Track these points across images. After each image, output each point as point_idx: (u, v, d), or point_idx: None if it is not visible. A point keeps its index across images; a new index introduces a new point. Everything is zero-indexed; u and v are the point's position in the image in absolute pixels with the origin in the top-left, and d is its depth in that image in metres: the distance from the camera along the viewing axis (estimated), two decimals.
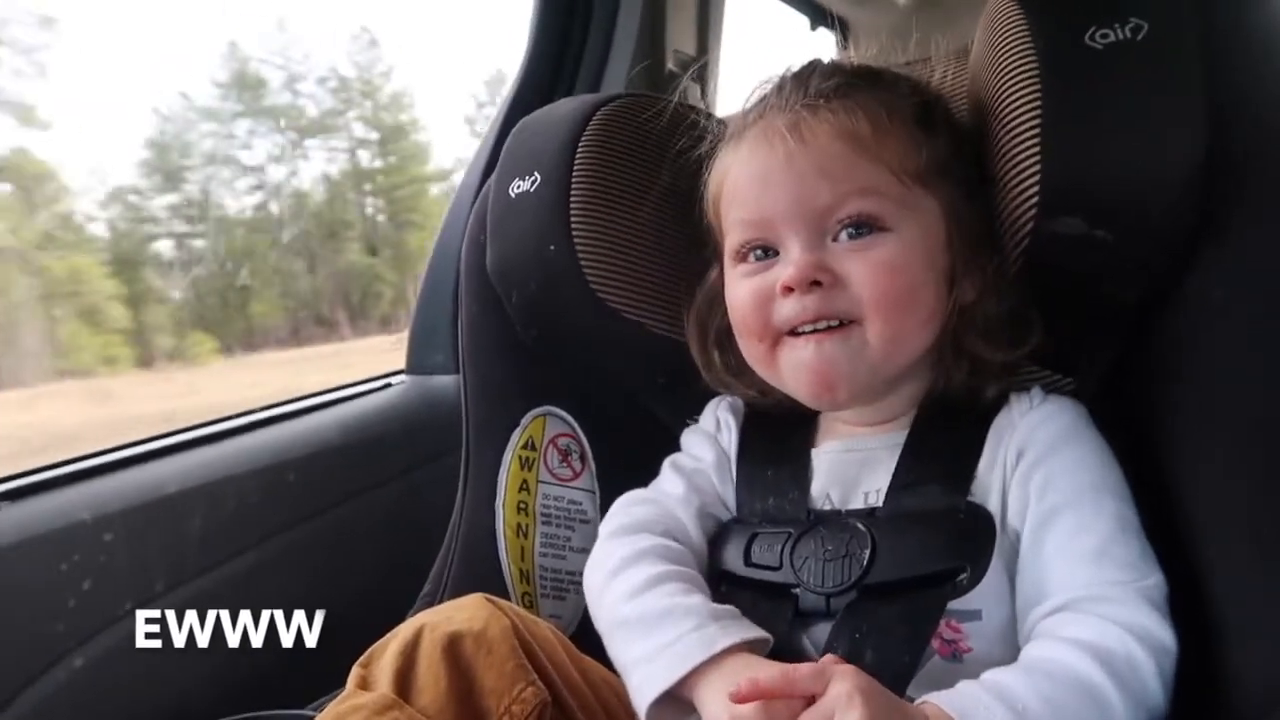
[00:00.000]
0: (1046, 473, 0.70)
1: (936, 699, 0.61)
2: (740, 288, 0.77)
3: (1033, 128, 0.72)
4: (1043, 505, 0.69)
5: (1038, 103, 0.71)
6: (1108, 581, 0.65)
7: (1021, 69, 0.73)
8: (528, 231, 0.90)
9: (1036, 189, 0.72)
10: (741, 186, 0.77)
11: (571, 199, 0.88)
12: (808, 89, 0.76)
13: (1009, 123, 0.74)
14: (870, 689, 0.59)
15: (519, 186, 0.91)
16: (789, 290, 0.73)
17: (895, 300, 0.72)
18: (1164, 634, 0.64)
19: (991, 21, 0.79)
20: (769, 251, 0.76)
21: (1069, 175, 0.71)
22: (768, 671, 0.62)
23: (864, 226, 0.72)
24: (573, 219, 0.88)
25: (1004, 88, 0.74)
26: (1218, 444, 0.69)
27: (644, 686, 0.67)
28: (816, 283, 0.72)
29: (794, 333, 0.74)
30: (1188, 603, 0.66)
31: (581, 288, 0.89)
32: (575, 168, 0.89)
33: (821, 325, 0.73)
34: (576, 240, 0.88)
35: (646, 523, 0.79)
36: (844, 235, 0.73)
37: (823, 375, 0.73)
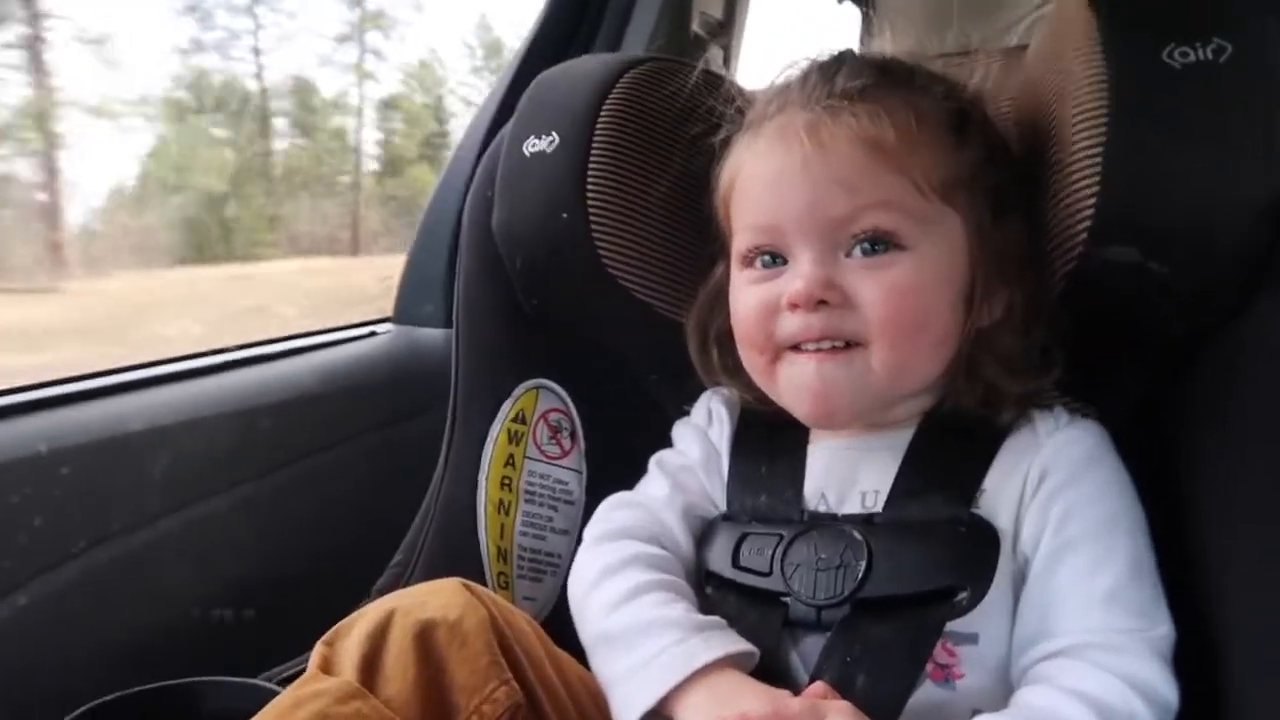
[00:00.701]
0: (1068, 502, 0.67)
1: None
2: (745, 295, 0.73)
3: (1095, 145, 0.67)
4: (1060, 537, 0.66)
5: (1104, 119, 0.66)
6: (1116, 629, 0.62)
7: (1089, 80, 0.68)
8: (540, 195, 0.85)
9: (1091, 211, 0.67)
10: (754, 187, 0.72)
11: (590, 166, 0.83)
12: (833, 86, 0.70)
13: (1069, 136, 0.69)
14: None
15: (535, 145, 0.86)
16: (795, 306, 0.69)
17: (905, 326, 0.68)
18: (1168, 691, 0.61)
19: (1060, 23, 0.73)
20: (777, 259, 0.71)
21: (1129, 200, 0.66)
22: (758, 706, 0.58)
23: (879, 243, 0.68)
24: (589, 187, 0.83)
25: (1066, 97, 0.69)
26: (1265, 488, 0.65)
27: (624, 708, 0.64)
28: (824, 301, 0.68)
29: (796, 348, 0.70)
30: (1198, 644, 0.64)
31: (591, 260, 0.84)
32: (596, 133, 0.83)
33: (825, 345, 0.69)
34: (591, 210, 0.83)
35: (630, 528, 0.76)
36: (858, 251, 0.68)
37: (822, 397, 0.70)
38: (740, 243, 0.74)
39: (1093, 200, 0.67)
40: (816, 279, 0.68)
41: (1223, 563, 0.67)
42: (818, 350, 0.69)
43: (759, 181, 0.72)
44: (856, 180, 0.67)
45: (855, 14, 2.10)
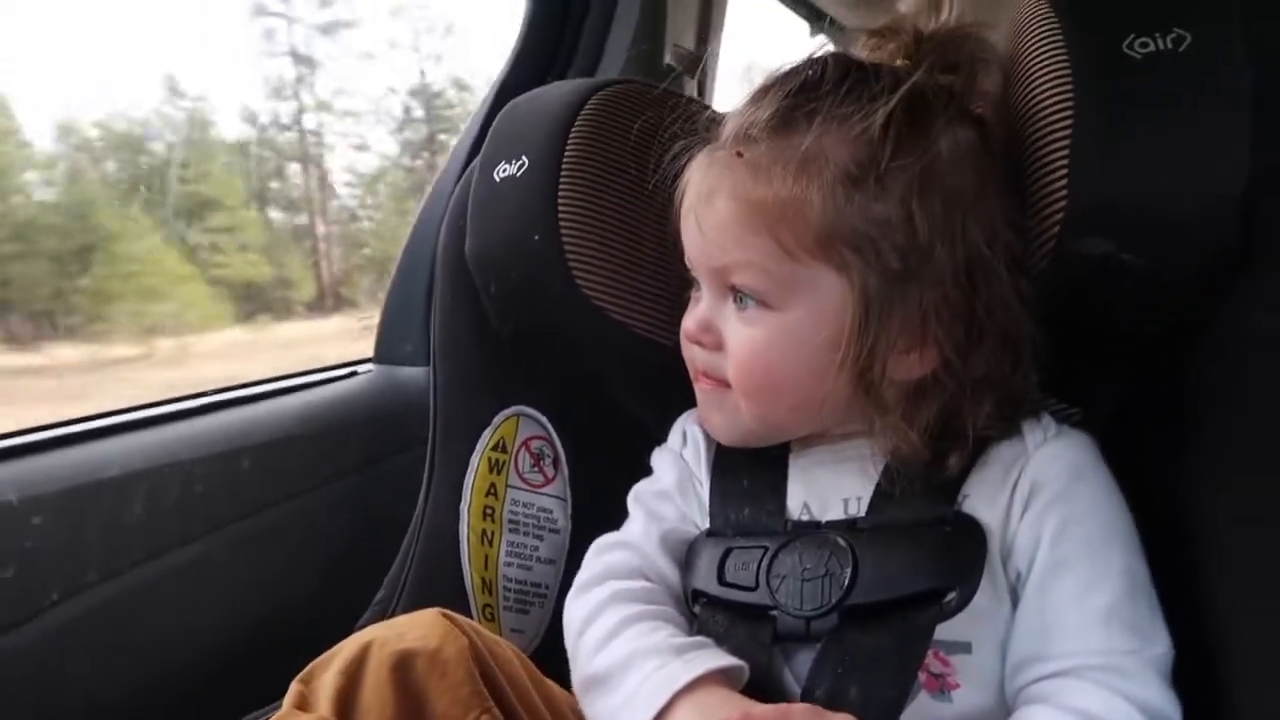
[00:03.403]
0: (1062, 517, 0.65)
1: None
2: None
3: (1062, 138, 0.66)
4: (1054, 554, 0.64)
5: (1069, 111, 0.66)
6: (1118, 650, 0.61)
7: (1053, 74, 0.68)
8: (511, 218, 0.84)
9: (1063, 204, 0.66)
10: (681, 215, 0.73)
11: (560, 187, 0.83)
12: (746, 120, 0.68)
13: (1036, 133, 0.69)
14: None
15: (505, 170, 0.86)
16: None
17: (754, 388, 0.69)
18: (1170, 709, 0.60)
19: (1022, 26, 0.73)
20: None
21: (1098, 190, 0.66)
22: (760, 710, 0.57)
23: (748, 299, 0.68)
24: (560, 208, 0.82)
25: (1033, 95, 0.69)
26: (1255, 483, 0.64)
27: None
28: (700, 342, 0.72)
29: None
30: (1194, 654, 0.62)
31: (565, 282, 0.83)
32: (566, 153, 0.83)
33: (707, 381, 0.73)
34: (563, 230, 0.82)
35: (613, 569, 0.74)
36: (737, 300, 0.69)
37: (710, 425, 0.75)
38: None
39: (1063, 193, 0.66)
40: (698, 320, 0.71)
41: (1216, 569, 0.66)
42: (706, 379, 0.73)
43: (683, 212, 0.73)
44: (725, 238, 0.68)
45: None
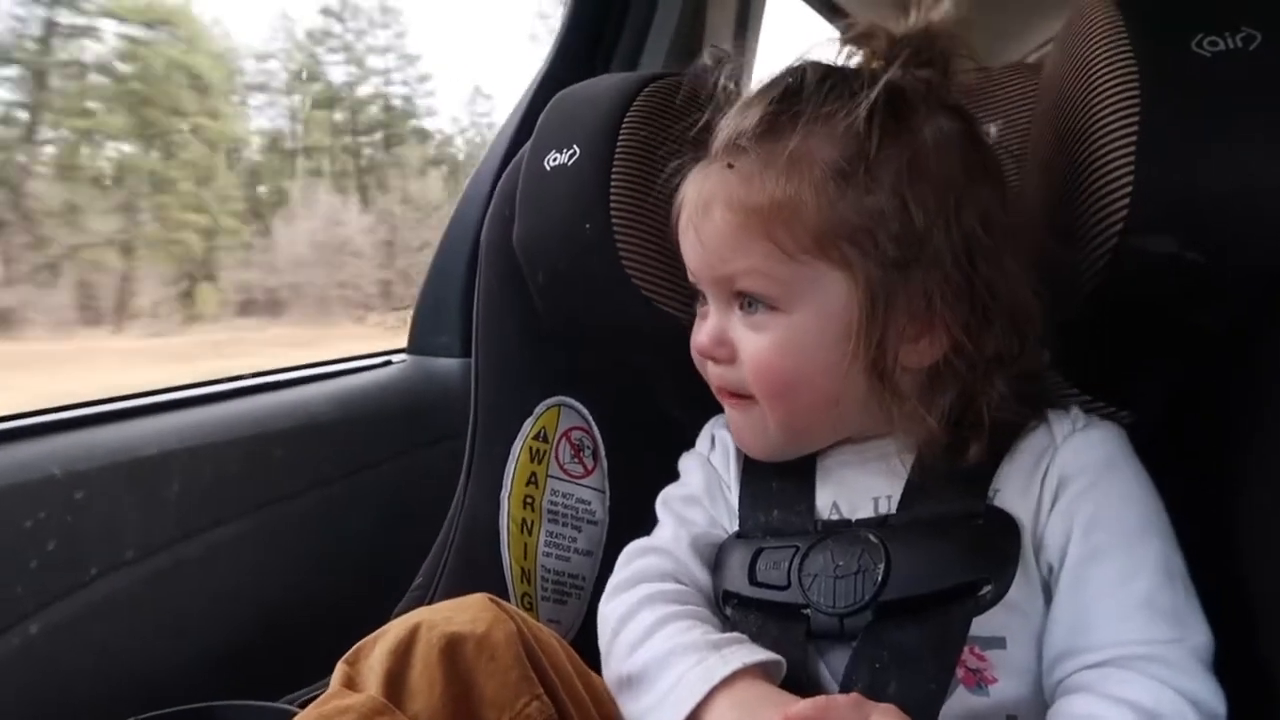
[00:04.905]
0: (1094, 507, 0.65)
1: None
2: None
3: (1128, 135, 0.66)
4: (1087, 545, 0.64)
5: (1135, 107, 0.66)
6: (1159, 640, 0.60)
7: (1118, 73, 0.67)
8: (562, 206, 0.84)
9: (1126, 201, 0.66)
10: (680, 230, 0.73)
11: (612, 177, 0.83)
12: (735, 129, 0.68)
13: (1098, 130, 0.68)
14: None
15: (555, 159, 0.85)
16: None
17: (773, 390, 0.69)
18: (1216, 700, 0.59)
19: (1081, 25, 0.73)
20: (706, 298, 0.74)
21: (1165, 188, 0.65)
22: (802, 703, 0.56)
23: (754, 304, 0.68)
24: (612, 197, 0.82)
25: (1095, 92, 0.69)
26: None
27: None
28: (714, 357, 0.72)
29: None
30: (1236, 645, 0.61)
31: (615, 270, 0.83)
32: (619, 142, 0.83)
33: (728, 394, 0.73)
34: (615, 220, 0.82)
35: (644, 572, 0.74)
36: (743, 306, 0.69)
37: (741, 441, 0.75)
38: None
39: (1128, 190, 0.66)
40: (710, 334, 0.71)
41: (1263, 570, 0.65)
42: (729, 396, 0.73)
43: (681, 224, 0.73)
44: (724, 247, 0.68)
45: None
